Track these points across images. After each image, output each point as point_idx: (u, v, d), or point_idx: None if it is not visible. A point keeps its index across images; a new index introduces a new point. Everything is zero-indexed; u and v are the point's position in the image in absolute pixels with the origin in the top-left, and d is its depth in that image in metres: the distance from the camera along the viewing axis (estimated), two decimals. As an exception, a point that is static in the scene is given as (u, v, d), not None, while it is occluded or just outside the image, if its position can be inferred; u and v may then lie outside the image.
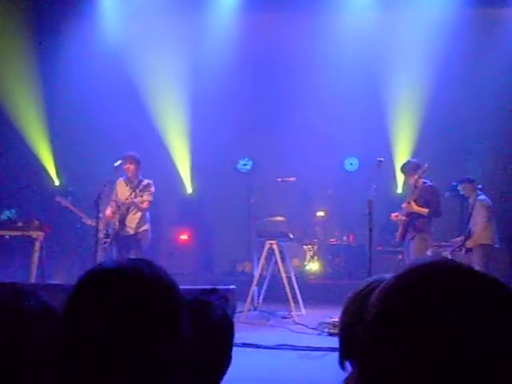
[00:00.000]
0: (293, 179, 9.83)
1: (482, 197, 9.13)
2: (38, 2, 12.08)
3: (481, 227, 8.89)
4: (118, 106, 11.75)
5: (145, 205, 8.57)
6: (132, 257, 8.10)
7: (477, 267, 8.59)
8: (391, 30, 11.29)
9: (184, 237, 11.84)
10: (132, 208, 8.55)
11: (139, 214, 8.60)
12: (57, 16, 12.03)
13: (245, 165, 12.24)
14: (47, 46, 11.93)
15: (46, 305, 1.55)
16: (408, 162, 8.71)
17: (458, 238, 9.31)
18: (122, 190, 8.65)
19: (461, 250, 9.02)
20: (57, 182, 12.24)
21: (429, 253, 8.96)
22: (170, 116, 12.18)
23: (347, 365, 1.72)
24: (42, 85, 11.87)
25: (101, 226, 8.38)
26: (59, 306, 1.52)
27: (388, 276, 1.73)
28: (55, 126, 12.01)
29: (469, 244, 8.94)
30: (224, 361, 1.88)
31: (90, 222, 9.36)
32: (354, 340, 1.63)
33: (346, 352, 1.67)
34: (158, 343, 1.24)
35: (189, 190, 12.56)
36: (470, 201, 9.24)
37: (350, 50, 11.39)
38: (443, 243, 9.84)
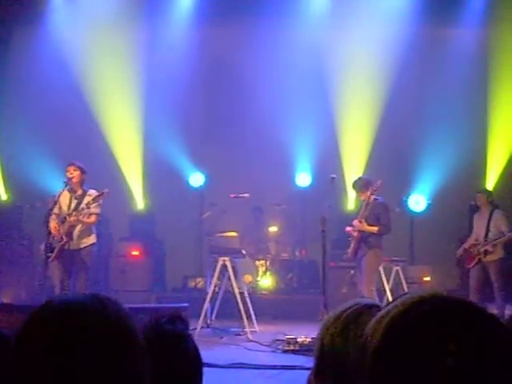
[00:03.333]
0: (246, 195, 9.82)
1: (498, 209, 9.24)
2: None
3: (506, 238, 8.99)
4: (68, 118, 11.59)
5: (92, 219, 8.06)
6: (76, 271, 7.95)
7: (494, 277, 8.70)
8: (343, 45, 11.40)
9: (135, 253, 11.66)
10: (77, 224, 8.03)
11: (85, 227, 8.08)
12: (6, 19, 11.80)
13: (197, 179, 12.16)
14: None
15: None
16: (359, 178, 8.77)
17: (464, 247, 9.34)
18: (65, 201, 8.08)
19: (479, 254, 9.02)
20: (4, 197, 11.92)
21: (381, 268, 9.06)
22: (121, 130, 12.04)
23: None
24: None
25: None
26: (4, 325, 1.48)
27: (366, 301, 1.75)
28: (2, 137, 11.71)
29: (492, 251, 8.99)
30: None
31: None
32: (334, 360, 1.64)
33: (325, 370, 1.67)
34: (111, 379, 1.21)
35: (140, 205, 12.42)
36: (483, 210, 9.30)
37: (302, 64, 11.46)
38: (394, 258, 9.95)
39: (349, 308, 1.68)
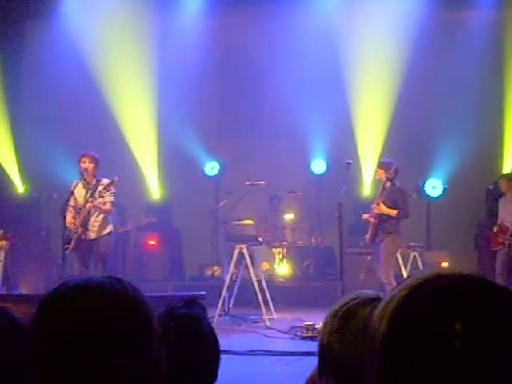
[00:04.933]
0: (261, 182, 9.82)
1: None
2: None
3: None
4: (84, 109, 11.64)
5: (107, 206, 7.98)
6: (94, 262, 7.97)
7: None
8: (358, 30, 11.32)
9: (152, 242, 11.71)
10: (93, 211, 7.97)
11: (101, 217, 8.03)
12: (18, 17, 11.86)
13: (212, 168, 12.17)
14: (11, 47, 11.73)
15: (14, 321, 1.51)
16: (385, 160, 8.76)
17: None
18: (80, 193, 8.02)
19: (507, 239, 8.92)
20: (21, 189, 11.99)
21: (398, 254, 9.04)
22: (136, 120, 12.06)
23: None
24: (4, 87, 11.63)
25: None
26: (26, 316, 1.49)
27: (368, 292, 1.72)
28: (19, 129, 11.79)
29: None
30: (213, 374, 1.86)
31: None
32: (332, 359, 1.62)
33: (326, 369, 1.65)
34: (125, 364, 1.20)
35: (156, 194, 12.45)
36: (508, 196, 9.14)
37: (317, 51, 11.40)
38: (412, 244, 9.91)
39: (347, 303, 1.64)
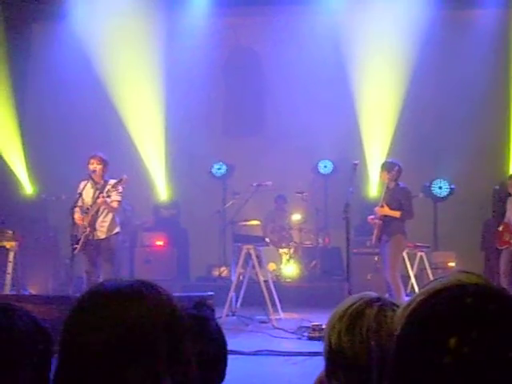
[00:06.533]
0: (269, 183, 9.86)
1: None
2: (7, 2, 11.90)
3: None
4: (92, 110, 11.69)
5: (114, 204, 7.99)
6: (102, 261, 8.00)
7: None
8: (364, 29, 11.31)
9: (159, 243, 11.76)
10: (101, 211, 8.02)
11: (109, 217, 8.07)
12: (27, 16, 11.91)
13: (219, 169, 12.21)
14: (18, 49, 11.80)
15: (37, 322, 1.54)
16: (388, 160, 8.75)
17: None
18: (88, 193, 8.06)
19: None
20: (29, 190, 12.06)
21: (405, 254, 9.04)
22: (143, 121, 12.11)
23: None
24: (13, 87, 11.67)
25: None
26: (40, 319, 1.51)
27: (372, 294, 1.75)
28: (28, 131, 11.85)
29: None
30: (221, 374, 1.90)
31: None
32: (342, 359, 1.64)
33: (335, 370, 1.67)
34: (160, 367, 1.22)
35: (164, 195, 12.50)
36: None
37: (324, 51, 11.41)
38: (418, 244, 9.91)
39: (353, 304, 1.67)
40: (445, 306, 0.94)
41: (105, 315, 1.22)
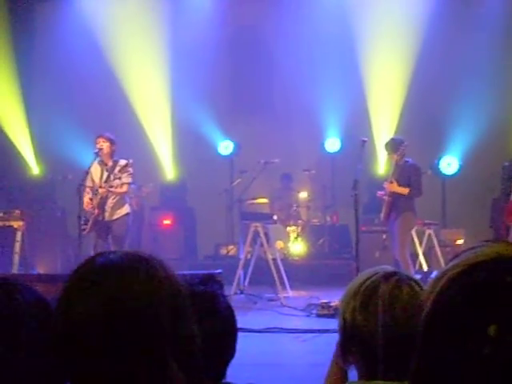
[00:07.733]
0: (276, 161, 9.81)
1: None
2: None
3: None
4: (97, 90, 11.64)
5: (124, 188, 8.00)
6: (111, 242, 8.01)
7: None
8: (372, 9, 11.24)
9: (167, 221, 11.77)
10: (110, 194, 8.00)
11: (118, 198, 8.06)
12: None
13: (226, 147, 12.16)
14: (23, 29, 11.74)
15: (40, 297, 1.51)
16: (392, 139, 8.63)
17: None
18: (98, 174, 8.05)
19: None
20: (36, 170, 12.05)
21: (413, 231, 8.99)
22: (149, 100, 12.07)
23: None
24: (18, 69, 11.64)
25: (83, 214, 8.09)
26: (43, 295, 1.48)
27: (387, 268, 1.70)
28: (33, 111, 11.82)
29: None
30: (230, 350, 1.88)
31: None
32: (358, 335, 1.60)
33: (350, 346, 1.63)
34: (159, 341, 1.16)
35: (170, 174, 12.48)
36: None
37: (331, 29, 11.31)
38: (427, 221, 9.87)
39: (367, 279, 1.63)
40: (481, 285, 0.82)
41: (94, 292, 1.16)
